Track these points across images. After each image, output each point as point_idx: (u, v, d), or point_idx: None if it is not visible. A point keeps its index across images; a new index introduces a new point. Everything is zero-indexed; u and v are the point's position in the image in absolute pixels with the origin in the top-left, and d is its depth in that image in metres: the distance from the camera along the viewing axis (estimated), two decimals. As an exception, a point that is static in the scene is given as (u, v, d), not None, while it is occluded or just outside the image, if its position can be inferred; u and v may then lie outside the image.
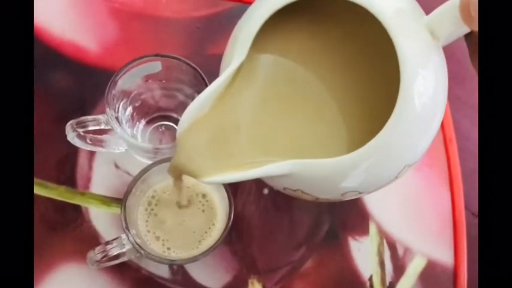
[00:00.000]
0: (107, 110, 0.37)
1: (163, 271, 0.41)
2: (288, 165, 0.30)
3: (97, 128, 0.38)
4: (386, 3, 0.29)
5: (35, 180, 0.42)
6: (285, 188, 0.32)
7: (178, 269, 0.41)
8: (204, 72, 0.37)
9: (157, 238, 0.39)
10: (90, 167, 0.43)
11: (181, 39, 0.47)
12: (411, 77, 0.28)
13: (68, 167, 0.43)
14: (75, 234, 0.41)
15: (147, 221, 0.39)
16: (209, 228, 0.39)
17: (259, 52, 0.34)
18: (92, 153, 0.43)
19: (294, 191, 0.32)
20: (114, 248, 0.36)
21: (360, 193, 0.31)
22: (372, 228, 0.44)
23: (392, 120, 0.28)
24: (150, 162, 0.38)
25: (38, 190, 0.42)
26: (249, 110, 0.33)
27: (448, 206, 0.46)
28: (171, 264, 0.41)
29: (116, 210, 0.42)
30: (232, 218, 0.36)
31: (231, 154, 0.32)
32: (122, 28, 0.47)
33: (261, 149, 0.33)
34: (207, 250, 0.35)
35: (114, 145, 0.41)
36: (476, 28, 0.26)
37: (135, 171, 0.37)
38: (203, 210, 0.40)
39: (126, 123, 0.41)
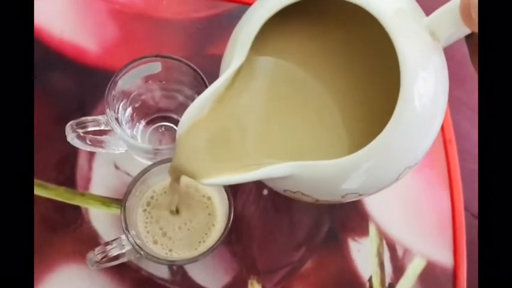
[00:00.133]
0: (107, 110, 0.37)
1: (163, 272, 0.41)
2: (288, 167, 0.30)
3: (97, 128, 0.38)
4: (386, 4, 0.29)
5: (35, 180, 0.42)
6: (285, 190, 0.32)
7: (178, 270, 0.41)
8: (204, 73, 0.37)
9: (156, 240, 0.39)
10: (90, 168, 0.43)
11: (182, 40, 0.47)
12: (411, 78, 0.28)
13: (67, 168, 0.43)
14: (75, 234, 0.41)
15: (146, 222, 0.39)
16: (209, 229, 0.39)
17: (259, 54, 0.34)
18: (91, 154, 0.43)
19: (294, 193, 0.32)
20: (113, 249, 0.36)
21: (361, 195, 0.31)
22: (372, 229, 0.44)
23: (392, 121, 0.28)
24: (149, 163, 0.38)
25: (37, 191, 0.42)
26: (248, 112, 0.33)
27: (448, 207, 0.46)
28: (171, 265, 0.41)
29: (115, 211, 0.42)
30: (231, 218, 0.36)
31: (231, 156, 0.32)
32: (122, 29, 0.47)
33: (261, 150, 0.33)
34: (207, 251, 0.35)
35: (114, 146, 0.41)
36: (476, 29, 0.26)
37: (135, 172, 0.37)
38: (202, 212, 0.40)
39: (126, 124, 0.41)
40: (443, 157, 0.47)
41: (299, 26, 0.34)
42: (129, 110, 0.41)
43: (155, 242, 0.39)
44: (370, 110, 0.34)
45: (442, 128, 0.47)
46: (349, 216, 0.44)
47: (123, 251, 0.36)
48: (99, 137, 0.40)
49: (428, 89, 0.28)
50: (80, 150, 0.42)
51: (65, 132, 0.38)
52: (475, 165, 0.46)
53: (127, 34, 0.47)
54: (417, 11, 0.30)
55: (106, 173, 0.43)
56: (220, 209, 0.40)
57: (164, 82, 0.40)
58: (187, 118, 0.31)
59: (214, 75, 0.34)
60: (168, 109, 0.43)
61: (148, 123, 0.44)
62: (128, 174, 0.43)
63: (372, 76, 0.34)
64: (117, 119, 0.38)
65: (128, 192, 0.36)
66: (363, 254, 0.43)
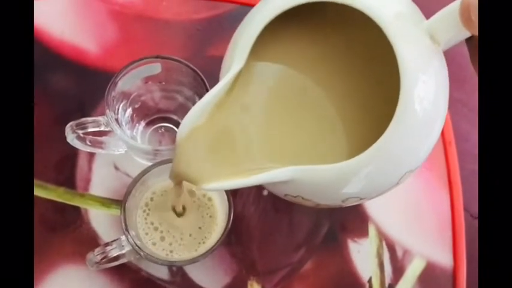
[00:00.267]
0: (107, 111, 0.37)
1: (162, 273, 0.41)
2: (288, 171, 0.30)
3: (97, 129, 0.38)
4: (386, 8, 0.29)
5: (35, 181, 0.42)
6: (285, 195, 0.32)
7: (178, 271, 0.41)
8: (204, 74, 0.37)
9: (156, 241, 0.39)
10: (89, 169, 0.43)
11: (181, 41, 0.47)
12: (411, 82, 0.27)
13: (67, 169, 0.43)
14: (75, 235, 0.41)
15: (145, 223, 0.39)
16: (209, 230, 0.39)
17: (258, 58, 0.34)
18: (91, 155, 0.43)
19: (295, 197, 0.32)
20: (113, 250, 0.36)
21: (361, 199, 0.31)
22: (371, 230, 0.44)
23: (392, 125, 0.28)
24: (149, 163, 0.38)
25: (37, 191, 0.42)
26: (248, 117, 0.33)
27: (447, 208, 0.46)
28: (171, 265, 0.41)
29: (115, 211, 0.42)
30: (231, 219, 0.36)
31: (231, 161, 0.32)
32: (122, 30, 0.47)
33: (261, 155, 0.33)
34: (207, 252, 0.35)
35: (113, 147, 0.41)
36: (476, 32, 0.26)
37: (135, 173, 0.37)
38: (201, 212, 0.40)
39: (125, 124, 0.41)
40: (442, 158, 0.47)
41: (299, 30, 0.34)
42: (129, 110, 0.41)
43: (154, 243, 0.39)
44: (370, 115, 0.34)
45: (442, 130, 0.47)
46: (348, 217, 0.44)
47: (123, 251, 0.36)
48: (99, 138, 0.40)
49: (429, 92, 0.28)
50: (79, 151, 0.42)
51: (64, 133, 0.38)
52: (474, 166, 0.46)
53: (127, 35, 0.47)
54: (417, 14, 0.29)
55: (106, 173, 0.43)
56: (220, 210, 0.40)
57: (164, 83, 0.41)
58: (186, 123, 0.31)
59: (214, 76, 0.34)
60: (168, 110, 0.43)
61: (148, 124, 0.44)
62: (128, 175, 0.43)
63: (372, 80, 0.34)
64: (117, 119, 0.38)
65: (127, 193, 0.36)
66: (363, 255, 0.43)
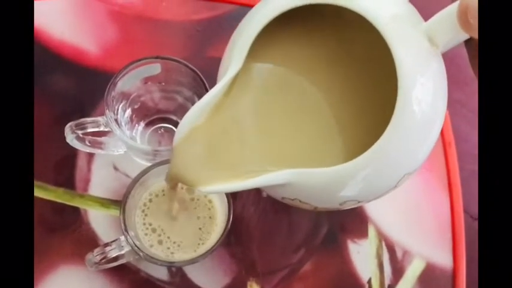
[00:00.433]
0: (106, 111, 0.37)
1: (162, 273, 0.41)
2: (286, 174, 0.30)
3: (96, 130, 0.38)
4: (384, 10, 0.28)
5: (34, 182, 0.42)
6: (283, 198, 0.32)
7: (177, 271, 0.41)
8: (204, 74, 0.37)
9: (155, 241, 0.39)
10: (89, 169, 0.43)
11: (181, 42, 0.48)
12: (409, 84, 0.27)
13: (66, 169, 0.43)
14: (74, 236, 0.41)
15: (144, 224, 0.39)
16: (209, 231, 0.39)
17: (256, 60, 0.34)
18: (91, 155, 0.43)
19: (292, 200, 0.31)
20: (112, 250, 0.36)
21: (359, 202, 0.31)
22: (371, 231, 0.44)
23: (390, 128, 0.28)
24: (149, 164, 0.38)
25: (37, 192, 0.42)
26: (246, 120, 0.33)
27: (447, 209, 0.46)
28: (170, 266, 0.41)
29: (114, 212, 0.42)
30: (231, 220, 0.36)
31: (228, 163, 0.32)
32: (121, 30, 0.47)
33: (258, 158, 0.33)
34: (206, 252, 0.35)
35: (113, 147, 0.41)
36: (474, 35, 0.26)
37: (134, 173, 0.37)
38: (200, 213, 0.40)
39: (125, 125, 0.41)
40: (442, 159, 0.47)
41: (297, 32, 0.34)
42: (129, 111, 0.41)
43: (153, 244, 0.39)
44: (367, 117, 0.34)
45: (442, 131, 0.47)
46: (348, 218, 0.44)
47: (122, 252, 0.36)
48: (98, 138, 0.40)
49: (427, 95, 0.28)
50: (79, 151, 0.42)
51: (64, 133, 0.38)
52: (474, 167, 0.46)
53: (127, 35, 0.47)
54: (415, 16, 0.29)
55: (105, 174, 0.43)
56: (220, 211, 0.40)
57: (163, 83, 0.41)
58: (184, 126, 0.31)
59: (213, 77, 0.34)
60: (168, 110, 0.43)
61: (148, 125, 0.44)
62: (127, 175, 0.43)
63: (370, 83, 0.34)
64: (116, 120, 0.38)
65: (127, 193, 0.36)
66: (362, 256, 0.43)
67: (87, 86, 0.45)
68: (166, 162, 0.36)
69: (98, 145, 0.40)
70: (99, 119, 0.38)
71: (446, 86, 0.29)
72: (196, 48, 0.47)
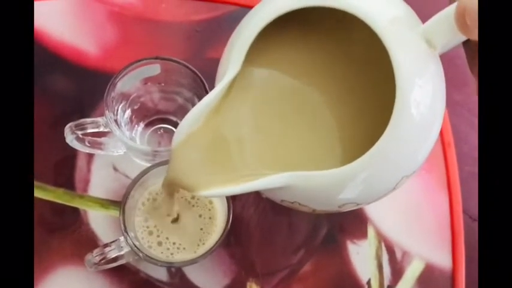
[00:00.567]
0: (106, 112, 0.37)
1: (161, 274, 0.41)
2: (284, 177, 0.30)
3: (96, 130, 0.38)
4: (382, 12, 0.28)
5: (34, 182, 0.42)
6: (282, 201, 0.32)
7: (177, 272, 0.41)
8: (203, 75, 0.37)
9: (154, 242, 0.39)
10: (88, 170, 0.43)
11: (181, 43, 0.48)
12: (407, 86, 0.27)
13: (66, 170, 0.43)
14: (74, 236, 0.41)
15: (143, 225, 0.39)
16: (209, 232, 0.39)
17: (254, 64, 0.33)
18: (90, 156, 0.43)
19: (292, 203, 0.31)
20: (112, 251, 0.36)
21: (358, 204, 0.31)
22: (370, 232, 0.44)
23: (388, 131, 0.28)
24: (148, 164, 0.38)
25: (36, 192, 0.42)
26: (244, 123, 0.33)
27: (446, 210, 0.46)
28: (169, 267, 0.41)
29: (114, 213, 0.42)
30: (230, 220, 0.36)
31: (227, 167, 0.32)
32: (121, 31, 0.47)
33: (257, 161, 0.33)
34: (206, 253, 0.35)
35: (112, 147, 0.41)
36: (471, 36, 0.26)
37: (134, 174, 0.37)
38: (200, 214, 0.40)
39: (125, 125, 0.41)
40: (442, 160, 0.47)
41: (294, 35, 0.34)
42: (128, 112, 0.41)
43: (151, 246, 0.39)
44: (365, 120, 0.33)
45: (441, 132, 0.47)
46: (347, 219, 0.44)
47: (122, 252, 0.36)
48: (98, 139, 0.40)
49: (425, 97, 0.28)
50: (78, 152, 0.42)
51: (64, 133, 0.38)
52: (473, 168, 0.46)
53: (126, 36, 0.47)
54: (413, 18, 0.29)
55: (105, 175, 0.43)
56: (220, 211, 0.40)
57: (163, 84, 0.41)
58: (182, 130, 0.31)
59: (213, 78, 0.34)
60: (167, 111, 0.43)
61: (147, 125, 0.44)
62: (127, 176, 0.43)
63: (368, 85, 0.34)
64: (116, 120, 0.38)
65: (126, 194, 0.36)
66: (362, 257, 0.43)
67: (86, 87, 0.45)
68: (166, 163, 0.36)
69: (98, 146, 0.40)
70: (99, 119, 0.38)
71: (445, 88, 0.29)
72: (196, 49, 0.47)
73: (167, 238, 0.39)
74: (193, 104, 0.31)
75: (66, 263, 0.40)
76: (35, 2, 0.46)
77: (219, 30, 0.48)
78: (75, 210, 0.42)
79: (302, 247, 0.43)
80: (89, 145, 0.39)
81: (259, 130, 0.34)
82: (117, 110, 0.39)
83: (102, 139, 0.41)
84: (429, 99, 0.28)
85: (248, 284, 0.42)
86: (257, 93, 0.34)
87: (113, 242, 0.36)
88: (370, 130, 0.31)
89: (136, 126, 0.43)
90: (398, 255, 0.44)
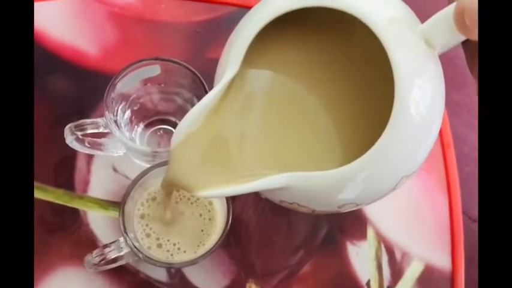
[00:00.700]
0: (106, 113, 0.37)
1: (161, 275, 0.41)
2: (284, 178, 0.30)
3: (96, 131, 0.38)
4: (380, 13, 0.28)
5: (34, 183, 0.42)
6: (281, 201, 0.32)
7: (176, 273, 0.41)
8: (203, 76, 0.38)
9: (154, 243, 0.39)
10: (88, 171, 0.43)
11: (180, 44, 0.48)
12: (406, 87, 0.27)
13: (66, 170, 0.43)
14: (73, 237, 0.41)
15: (142, 226, 0.39)
16: (208, 232, 0.39)
17: (252, 64, 0.33)
18: (90, 157, 0.43)
19: (291, 204, 0.31)
20: (112, 252, 0.36)
21: (358, 205, 0.31)
22: (370, 233, 0.44)
23: (388, 131, 0.28)
24: (148, 165, 0.38)
25: (36, 193, 0.42)
26: (243, 123, 0.33)
27: (446, 211, 0.46)
28: (169, 267, 0.41)
29: (114, 213, 0.42)
30: (230, 221, 0.36)
31: (226, 167, 0.32)
32: (121, 32, 0.47)
33: (255, 162, 0.32)
34: (205, 253, 0.35)
35: (112, 148, 0.41)
36: (471, 36, 0.26)
37: (134, 175, 0.37)
38: (200, 214, 0.40)
39: (124, 126, 0.41)
40: (441, 161, 0.47)
41: (293, 36, 0.34)
42: (128, 112, 0.41)
43: (150, 247, 0.39)
44: (364, 120, 0.33)
45: (440, 132, 0.47)
46: (347, 220, 0.44)
47: (121, 253, 0.36)
48: (97, 140, 0.40)
49: (424, 97, 0.28)
50: (78, 152, 0.42)
51: (63, 134, 0.38)
52: (473, 168, 0.47)
53: (126, 37, 0.47)
54: (411, 18, 0.29)
55: (104, 175, 0.43)
56: (220, 212, 0.40)
57: (163, 85, 0.41)
58: (181, 130, 0.31)
59: (212, 78, 0.34)
60: (167, 112, 0.43)
61: (147, 126, 0.44)
62: (127, 177, 0.43)
63: (367, 86, 0.34)
64: (116, 121, 0.38)
65: (126, 195, 0.36)
66: (361, 258, 0.43)
67: (86, 88, 0.45)
68: (166, 163, 0.36)
69: (98, 146, 0.40)
70: (99, 120, 0.38)
71: (444, 88, 0.29)
72: (196, 50, 0.47)
73: (168, 240, 0.39)
74: (193, 105, 0.31)
75: (66, 264, 0.40)
76: (35, 3, 0.46)
77: (218, 31, 0.48)
78: (75, 211, 0.42)
79: (301, 248, 0.43)
80: (88, 146, 0.39)
81: (258, 130, 0.34)
82: (117, 111, 0.39)
83: (102, 140, 0.41)
84: (428, 99, 0.28)
85: (248, 284, 0.42)
86: (256, 93, 0.34)
87: (113, 242, 0.36)
88: (369, 130, 0.31)
89: (136, 127, 0.43)
90: (398, 256, 0.44)
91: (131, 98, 0.40)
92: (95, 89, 0.44)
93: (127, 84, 0.38)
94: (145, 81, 0.40)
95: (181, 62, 0.38)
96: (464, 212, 0.46)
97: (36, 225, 0.41)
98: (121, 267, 0.39)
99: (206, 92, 0.37)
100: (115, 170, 0.43)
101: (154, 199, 0.40)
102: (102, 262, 0.36)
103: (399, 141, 0.28)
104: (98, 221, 0.42)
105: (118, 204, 0.36)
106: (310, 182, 0.29)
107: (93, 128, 0.38)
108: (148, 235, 0.39)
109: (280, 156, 0.33)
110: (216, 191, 0.31)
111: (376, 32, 0.28)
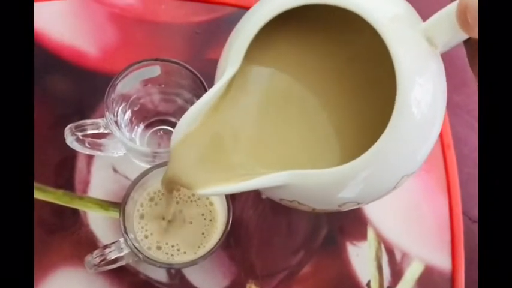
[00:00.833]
0: (106, 113, 0.37)
1: (161, 275, 0.41)
2: (283, 176, 0.30)
3: (96, 131, 0.38)
4: (382, 11, 0.28)
5: (34, 183, 0.42)
6: (281, 199, 0.32)
7: (176, 274, 0.41)
8: (203, 76, 0.38)
9: (154, 244, 0.39)
10: (88, 171, 0.43)
11: (180, 44, 0.48)
12: (408, 85, 0.27)
13: (66, 171, 0.43)
14: (73, 238, 0.41)
15: (142, 226, 0.39)
16: (209, 233, 0.39)
17: (253, 63, 0.33)
18: (90, 157, 0.43)
19: (291, 202, 0.31)
20: (112, 252, 0.36)
21: (358, 204, 0.31)
22: (370, 234, 0.44)
23: (389, 129, 0.27)
24: (148, 166, 0.38)
25: (36, 194, 0.42)
26: (243, 121, 0.33)
27: (446, 211, 0.46)
28: (169, 268, 0.41)
29: (114, 214, 0.42)
30: (230, 222, 0.36)
31: (226, 165, 0.32)
32: (121, 33, 0.47)
33: (256, 160, 0.32)
34: (205, 254, 0.35)
35: (112, 149, 0.41)
36: (473, 34, 0.26)
37: (134, 176, 0.37)
38: (202, 214, 0.40)
39: (125, 127, 0.41)
40: (441, 161, 0.47)
41: (293, 34, 0.34)
42: (128, 113, 0.41)
43: (150, 248, 0.39)
44: (365, 119, 0.33)
45: (441, 134, 0.47)
46: (347, 220, 0.44)
47: (122, 254, 0.36)
48: (98, 140, 0.40)
49: (426, 96, 0.28)
50: (78, 153, 0.42)
51: (64, 135, 0.38)
52: (473, 169, 0.47)
53: (126, 38, 0.47)
54: (413, 16, 0.29)
55: (105, 176, 0.43)
56: (220, 213, 0.40)
57: (163, 86, 0.41)
58: (180, 129, 0.31)
59: (213, 79, 0.34)
60: (167, 112, 0.43)
61: (147, 127, 0.44)
62: (127, 177, 0.43)
63: (368, 84, 0.34)
64: (116, 122, 0.38)
65: (126, 195, 0.36)
66: (361, 258, 0.43)
67: (86, 88, 0.45)
68: (166, 164, 0.36)
69: (98, 147, 0.40)
70: (99, 121, 0.38)
71: (446, 87, 0.29)
72: (196, 51, 0.47)
73: (167, 241, 0.39)
74: (193, 106, 0.31)
75: (66, 264, 0.40)
76: (35, 3, 0.46)
77: (218, 32, 0.48)
78: (75, 212, 0.42)
79: (302, 249, 0.43)
80: (88, 146, 0.39)
81: (258, 128, 0.34)
82: (117, 112, 0.39)
83: (102, 140, 0.41)
84: (430, 98, 0.28)
85: (248, 285, 0.42)
86: (256, 91, 0.34)
87: (113, 243, 0.36)
88: (368, 129, 0.31)
89: (136, 127, 0.43)
90: (398, 256, 0.44)
91: (131, 99, 0.40)
92: (95, 89, 0.44)
93: (127, 84, 0.38)
94: (146, 82, 0.40)
95: (181, 63, 0.38)
96: (464, 213, 0.46)
97: (36, 226, 0.41)
98: (121, 267, 0.39)
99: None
100: (115, 170, 0.43)
101: (153, 199, 0.40)
102: (102, 263, 0.36)
103: (400, 139, 0.28)
104: (98, 222, 0.42)
105: (118, 205, 0.36)
106: (310, 180, 0.29)
107: (93, 129, 0.38)
108: (147, 236, 0.39)
109: (280, 154, 0.33)
110: (216, 189, 0.31)
111: (378, 30, 0.28)
